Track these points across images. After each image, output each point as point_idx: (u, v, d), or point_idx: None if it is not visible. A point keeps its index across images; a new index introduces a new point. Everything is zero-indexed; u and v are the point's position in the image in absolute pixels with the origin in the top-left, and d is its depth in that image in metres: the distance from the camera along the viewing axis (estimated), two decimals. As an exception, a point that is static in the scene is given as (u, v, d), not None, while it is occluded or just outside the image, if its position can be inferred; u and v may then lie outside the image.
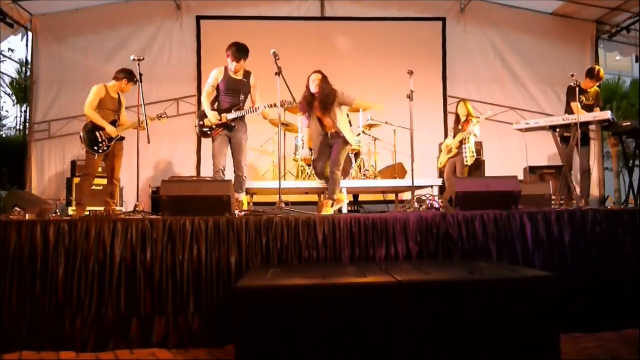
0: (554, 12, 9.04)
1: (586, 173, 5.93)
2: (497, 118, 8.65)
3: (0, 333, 3.37)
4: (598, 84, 6.14)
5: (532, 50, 9.11)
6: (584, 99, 5.98)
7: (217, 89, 5.39)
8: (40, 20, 8.50)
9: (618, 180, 11.80)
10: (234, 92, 5.36)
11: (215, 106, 5.38)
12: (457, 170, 6.86)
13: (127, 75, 5.62)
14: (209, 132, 5.36)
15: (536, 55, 9.08)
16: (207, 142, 8.46)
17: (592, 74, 6.09)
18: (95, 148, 5.43)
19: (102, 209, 5.90)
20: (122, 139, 5.65)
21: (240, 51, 5.24)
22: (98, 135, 5.44)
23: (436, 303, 2.71)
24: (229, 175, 5.39)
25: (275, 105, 5.27)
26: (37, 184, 8.41)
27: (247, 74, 5.43)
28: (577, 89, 5.67)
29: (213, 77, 5.37)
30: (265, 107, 5.33)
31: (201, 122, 5.39)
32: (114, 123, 5.54)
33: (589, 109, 5.91)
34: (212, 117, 5.25)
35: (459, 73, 9.10)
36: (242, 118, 5.40)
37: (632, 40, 8.73)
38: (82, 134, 5.46)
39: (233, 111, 5.30)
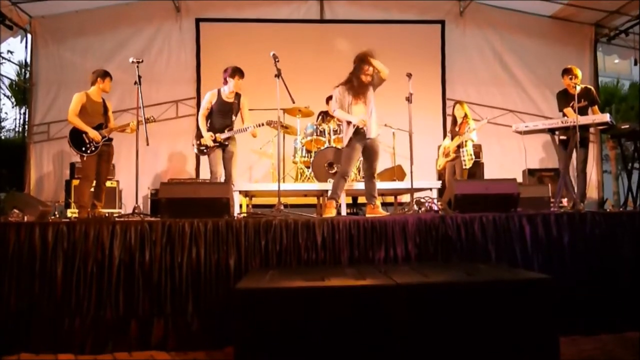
0: (552, 15, 9.05)
1: (580, 175, 5.87)
2: (496, 121, 8.66)
3: (-1, 335, 3.36)
4: (577, 79, 5.93)
5: (531, 53, 9.11)
6: (573, 102, 5.92)
7: (210, 109, 5.82)
8: (39, 22, 8.50)
9: (617, 183, 11.81)
10: (226, 112, 5.81)
11: (208, 124, 5.81)
12: (456, 173, 6.87)
13: (100, 74, 5.77)
14: (205, 150, 5.82)
15: (535, 58, 9.08)
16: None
17: (566, 72, 5.94)
18: (83, 149, 5.57)
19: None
20: (110, 139, 5.79)
21: (241, 72, 5.75)
22: (84, 137, 5.58)
23: (435, 305, 2.70)
24: None
25: (262, 125, 5.78)
26: (35, 185, 8.40)
27: (238, 96, 5.84)
28: (566, 93, 5.71)
29: (207, 100, 5.82)
30: (253, 127, 5.74)
31: (198, 142, 5.85)
32: (100, 126, 5.68)
33: (581, 110, 5.74)
34: (207, 139, 5.72)
35: (458, 75, 9.11)
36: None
37: (631, 43, 8.74)
38: (68, 139, 5.64)
39: (226, 131, 5.75)
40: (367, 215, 5.08)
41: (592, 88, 6.11)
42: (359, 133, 5.10)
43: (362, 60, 5.09)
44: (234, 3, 8.86)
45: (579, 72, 5.91)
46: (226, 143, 5.79)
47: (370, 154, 5.22)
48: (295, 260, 3.62)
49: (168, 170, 8.62)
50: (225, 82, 5.75)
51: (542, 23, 9.15)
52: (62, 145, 8.28)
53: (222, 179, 5.76)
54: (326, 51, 8.67)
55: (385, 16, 9.06)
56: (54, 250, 3.48)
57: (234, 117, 5.87)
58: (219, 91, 5.80)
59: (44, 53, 8.56)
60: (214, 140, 5.72)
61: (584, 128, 5.59)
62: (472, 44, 9.19)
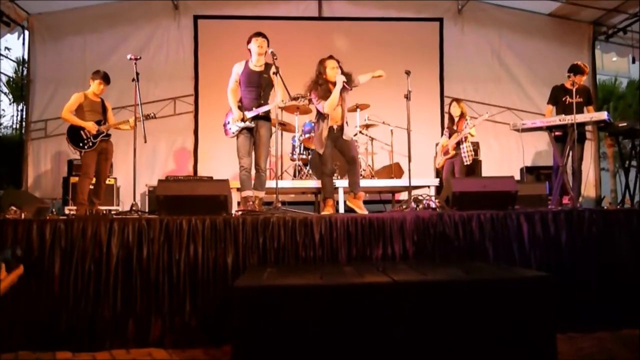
0: (551, 13, 9.06)
1: (577, 173, 5.89)
2: (494, 118, 8.66)
3: (-4, 332, 3.36)
4: (584, 77, 6.03)
5: (530, 51, 9.12)
6: (567, 97, 5.96)
7: (239, 84, 5.16)
8: (37, 19, 8.48)
9: (614, 181, 11.82)
10: (254, 86, 5.08)
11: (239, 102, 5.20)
12: (455, 171, 6.85)
13: (95, 75, 5.76)
14: (234, 133, 5.12)
15: (533, 56, 9.09)
16: (204, 142, 8.54)
17: (578, 70, 6.00)
18: (81, 144, 5.58)
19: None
20: (108, 136, 5.77)
21: (261, 33, 5.09)
22: (82, 133, 5.60)
23: (433, 304, 2.71)
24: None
25: (295, 99, 5.05)
26: (33, 182, 8.39)
27: (268, 66, 5.06)
28: (563, 88, 5.89)
29: (234, 72, 5.13)
30: (283, 102, 5.09)
31: (227, 121, 5.19)
32: (98, 123, 5.68)
33: (576, 107, 5.61)
34: (235, 117, 5.04)
35: (456, 73, 9.11)
36: (265, 114, 5.11)
37: (629, 41, 8.76)
38: (66, 136, 5.65)
39: (253, 109, 5.04)
40: (348, 204, 5.09)
41: (590, 89, 6.15)
42: (330, 132, 5.12)
43: (320, 62, 5.22)
44: (232, 1, 8.83)
45: (585, 67, 6.07)
46: (252, 124, 5.03)
47: (342, 144, 5.18)
48: (293, 257, 3.62)
49: (166, 167, 8.61)
50: (250, 53, 5.11)
51: (541, 21, 9.15)
52: (60, 142, 8.23)
53: (249, 171, 5.15)
54: (324, 49, 8.51)
55: (384, 14, 9.05)
56: (51, 247, 3.48)
57: (262, 92, 5.09)
58: (246, 62, 5.12)
59: (41, 50, 8.54)
60: (242, 120, 5.01)
61: (580, 124, 5.62)
62: (470, 41, 9.18)
